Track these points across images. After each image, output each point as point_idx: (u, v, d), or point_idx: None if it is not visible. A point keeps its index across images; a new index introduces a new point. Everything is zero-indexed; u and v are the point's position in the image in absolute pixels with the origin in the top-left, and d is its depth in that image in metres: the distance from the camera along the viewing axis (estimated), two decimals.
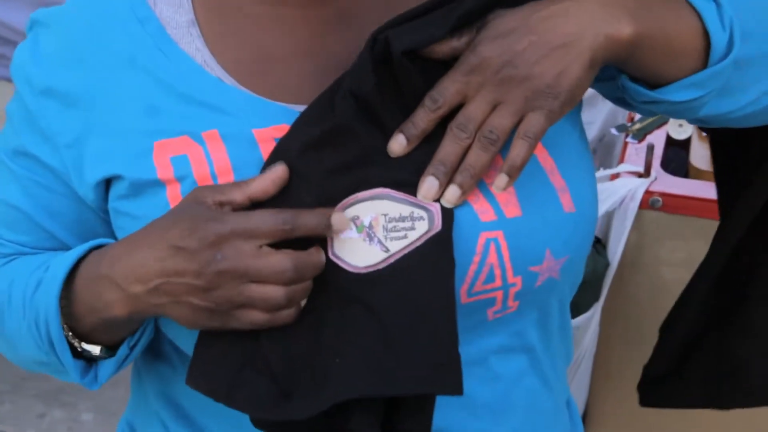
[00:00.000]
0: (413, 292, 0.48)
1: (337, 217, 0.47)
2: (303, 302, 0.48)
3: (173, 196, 0.52)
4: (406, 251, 0.49)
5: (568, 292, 0.61)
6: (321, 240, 0.48)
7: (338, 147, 0.49)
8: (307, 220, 0.47)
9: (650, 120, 1.15)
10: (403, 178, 0.50)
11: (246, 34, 0.56)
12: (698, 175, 1.08)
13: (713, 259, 0.69)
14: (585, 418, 1.25)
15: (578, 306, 1.03)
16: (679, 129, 1.11)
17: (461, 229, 0.50)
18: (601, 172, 1.07)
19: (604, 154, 1.26)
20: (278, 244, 0.46)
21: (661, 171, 1.10)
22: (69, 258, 0.54)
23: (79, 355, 0.55)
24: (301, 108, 0.52)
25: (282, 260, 0.45)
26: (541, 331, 0.59)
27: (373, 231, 0.50)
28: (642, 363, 0.76)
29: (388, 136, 0.50)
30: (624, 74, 0.53)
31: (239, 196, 0.47)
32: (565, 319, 0.64)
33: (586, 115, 0.64)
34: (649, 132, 1.14)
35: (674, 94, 0.52)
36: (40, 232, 0.59)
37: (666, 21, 0.52)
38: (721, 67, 0.51)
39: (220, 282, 0.45)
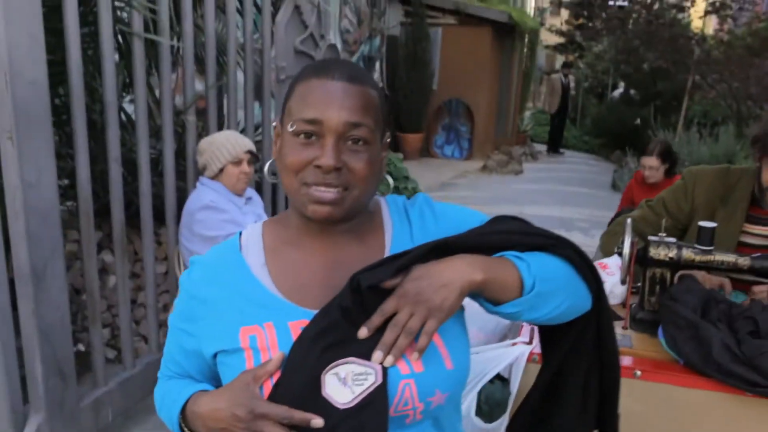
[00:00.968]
0: (368, 416, 0.87)
1: (308, 417, 0.88)
2: None
3: (248, 356, 0.96)
4: (364, 393, 0.87)
5: (453, 409, 1.02)
6: (316, 384, 0.88)
7: (329, 334, 0.90)
8: (296, 414, 0.87)
9: None
10: (362, 352, 0.89)
11: (289, 270, 1.01)
12: None
13: (538, 383, 1.14)
14: None
15: (493, 416, 1.70)
16: None
17: (392, 378, 0.90)
18: (508, 341, 1.80)
19: (514, 331, 1.99)
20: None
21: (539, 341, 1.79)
22: (184, 397, 1.04)
23: None
24: (315, 311, 0.94)
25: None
26: (437, 429, 0.99)
27: (345, 380, 0.88)
28: None
29: (357, 329, 0.90)
30: (482, 298, 0.95)
31: (264, 374, 0.92)
32: (455, 424, 1.04)
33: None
34: None
35: (504, 309, 0.94)
36: (185, 371, 1.11)
37: (500, 272, 0.93)
38: (529, 296, 0.93)
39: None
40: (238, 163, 2.91)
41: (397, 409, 0.91)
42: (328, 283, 0.98)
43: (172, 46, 3.17)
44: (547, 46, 18.66)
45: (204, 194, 2.88)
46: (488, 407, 1.68)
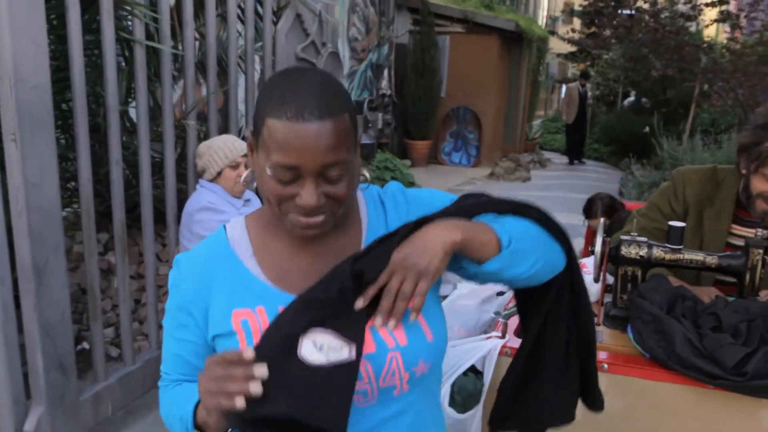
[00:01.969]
0: (336, 382, 0.91)
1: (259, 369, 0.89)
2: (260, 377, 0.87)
3: (241, 339, 1.02)
4: (335, 363, 0.91)
5: (436, 380, 1.11)
6: (293, 343, 0.91)
7: (320, 306, 0.94)
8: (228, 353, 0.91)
9: (510, 311, 2.00)
10: (343, 325, 0.94)
11: (276, 260, 1.07)
12: None
13: (523, 346, 1.21)
14: None
15: (466, 407, 1.77)
16: None
17: (379, 351, 0.99)
18: (482, 335, 1.87)
19: (493, 328, 2.06)
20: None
21: (512, 335, 1.85)
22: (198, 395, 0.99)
23: None
24: (289, 294, 1.01)
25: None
26: (422, 400, 1.07)
27: (321, 348, 0.92)
28: None
29: (348, 309, 0.94)
30: (465, 259, 1.00)
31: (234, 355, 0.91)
32: (436, 396, 1.13)
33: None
34: (512, 316, 1.98)
35: (486, 267, 1.00)
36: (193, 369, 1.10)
37: (478, 232, 0.99)
38: (506, 252, 1.00)
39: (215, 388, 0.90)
40: (235, 166, 3.00)
41: (385, 380, 1.00)
42: (312, 270, 1.05)
43: (174, 54, 3.26)
44: (558, 55, 18.69)
45: (203, 196, 2.97)
46: (461, 398, 1.74)
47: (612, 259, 1.90)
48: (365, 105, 9.60)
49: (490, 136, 11.45)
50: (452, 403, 1.74)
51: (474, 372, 1.78)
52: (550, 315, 1.16)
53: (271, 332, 0.94)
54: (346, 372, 0.92)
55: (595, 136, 14.87)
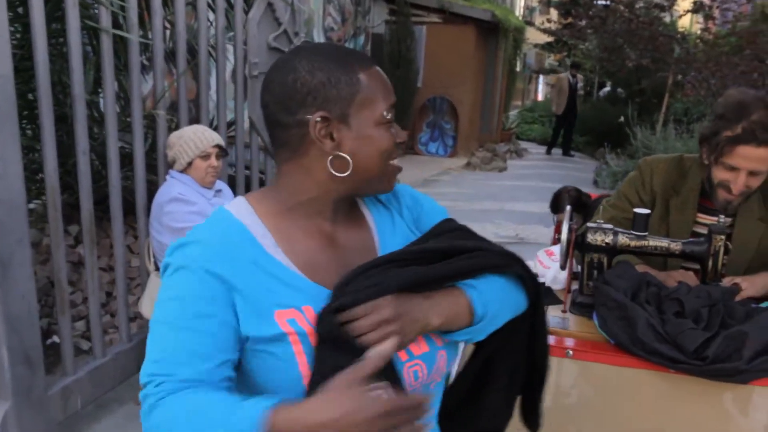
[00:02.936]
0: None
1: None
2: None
3: (294, 341, 0.93)
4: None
5: (453, 359, 1.11)
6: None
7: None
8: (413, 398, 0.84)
9: None
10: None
11: (301, 252, 1.01)
12: None
13: (470, 365, 1.20)
14: None
15: None
16: None
17: (432, 349, 1.03)
18: None
19: None
20: None
21: None
22: (250, 415, 0.81)
23: None
24: (330, 291, 0.96)
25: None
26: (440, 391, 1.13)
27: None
28: None
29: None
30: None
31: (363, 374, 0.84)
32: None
33: None
34: None
35: (455, 337, 1.03)
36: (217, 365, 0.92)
37: (454, 307, 1.01)
38: (478, 326, 1.03)
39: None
40: (206, 157, 2.97)
41: (432, 377, 1.05)
42: (339, 264, 1.03)
43: (143, 43, 3.22)
44: (535, 45, 18.76)
45: (173, 187, 2.94)
46: None
47: (578, 246, 1.92)
48: None
49: (466, 126, 11.47)
50: None
51: None
52: (506, 336, 1.16)
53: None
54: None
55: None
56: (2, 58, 2.25)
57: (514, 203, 8.25)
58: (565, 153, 13.30)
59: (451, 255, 1.05)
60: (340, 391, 0.82)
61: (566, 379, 1.76)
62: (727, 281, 1.86)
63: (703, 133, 2.01)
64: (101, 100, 3.49)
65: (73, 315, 3.41)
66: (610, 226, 1.91)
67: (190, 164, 2.97)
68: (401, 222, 1.16)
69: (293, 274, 0.99)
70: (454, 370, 1.65)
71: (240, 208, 1.03)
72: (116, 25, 2.99)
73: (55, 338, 3.46)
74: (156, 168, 3.28)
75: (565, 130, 13.29)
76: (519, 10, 21.28)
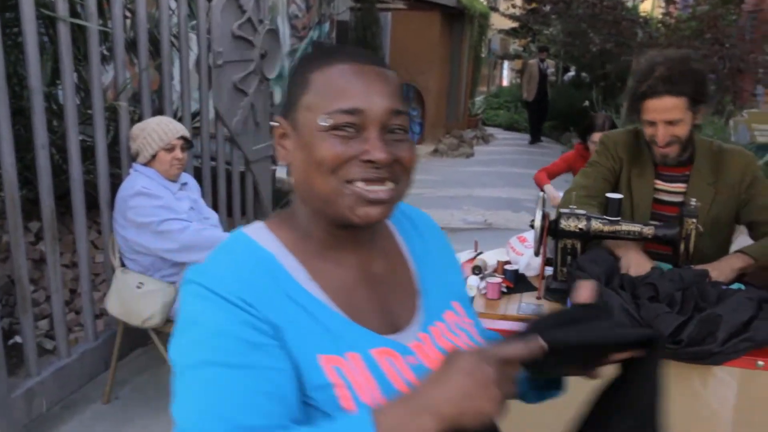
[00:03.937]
0: None
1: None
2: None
3: (342, 394, 0.78)
4: None
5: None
6: None
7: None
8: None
9: None
10: None
11: (337, 288, 0.86)
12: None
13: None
14: None
15: None
16: (470, 289, 1.93)
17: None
18: None
19: None
20: None
21: None
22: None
23: None
24: (375, 335, 0.85)
25: None
26: None
27: None
28: None
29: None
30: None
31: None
32: None
33: None
34: None
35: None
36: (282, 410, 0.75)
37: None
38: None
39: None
40: (170, 149, 2.90)
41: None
42: (378, 301, 0.90)
43: (103, 32, 3.13)
44: (500, 31, 18.80)
45: (137, 180, 2.87)
46: None
47: (552, 232, 1.91)
48: None
49: (433, 113, 11.46)
50: None
51: None
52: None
53: None
54: None
55: None
56: None
57: (482, 189, 8.27)
58: (535, 139, 13.29)
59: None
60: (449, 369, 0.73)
61: None
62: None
63: (627, 99, 2.11)
64: (60, 92, 3.38)
65: (35, 314, 3.31)
66: (583, 211, 1.90)
67: (154, 157, 2.90)
68: (434, 250, 1.03)
69: (334, 314, 0.85)
70: None
71: (260, 234, 0.89)
72: (74, 13, 2.90)
73: (18, 338, 3.36)
74: (119, 161, 3.20)
75: (538, 117, 13.23)
76: None
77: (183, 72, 3.58)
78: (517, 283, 2.03)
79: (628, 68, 10.22)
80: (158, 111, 3.55)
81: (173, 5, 3.62)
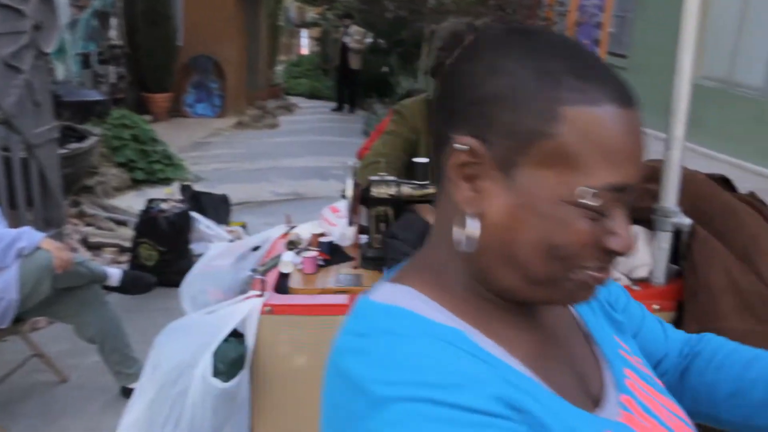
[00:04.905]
0: None
1: None
2: None
3: None
4: None
5: None
6: None
7: None
8: None
9: (270, 264, 1.92)
10: None
11: (531, 364, 0.64)
12: (294, 292, 1.83)
13: None
14: None
15: (230, 375, 1.67)
16: (286, 265, 1.87)
17: None
18: (240, 296, 1.77)
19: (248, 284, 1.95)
20: None
21: (272, 291, 1.78)
22: None
23: None
24: (594, 416, 0.65)
25: None
26: None
27: None
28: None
29: None
30: None
31: None
32: None
33: None
34: (269, 270, 1.89)
35: None
36: None
37: None
38: None
39: None
40: None
41: None
42: (570, 368, 0.70)
43: None
44: None
45: None
46: (224, 366, 1.63)
47: (363, 201, 1.89)
48: (94, 58, 8.74)
49: (233, 84, 11.11)
50: (216, 372, 1.62)
51: (235, 336, 1.68)
52: None
53: None
54: None
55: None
56: None
57: (289, 159, 8.20)
58: (340, 108, 13.29)
59: None
60: None
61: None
62: None
63: (431, 66, 2.07)
64: None
65: None
66: (393, 178, 1.91)
67: None
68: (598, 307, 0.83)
69: (553, 397, 0.64)
70: None
71: (415, 303, 0.65)
72: None
73: None
74: None
75: (342, 85, 13.18)
76: None
77: None
78: (333, 254, 2.00)
79: (421, 34, 10.58)
80: None
81: None
